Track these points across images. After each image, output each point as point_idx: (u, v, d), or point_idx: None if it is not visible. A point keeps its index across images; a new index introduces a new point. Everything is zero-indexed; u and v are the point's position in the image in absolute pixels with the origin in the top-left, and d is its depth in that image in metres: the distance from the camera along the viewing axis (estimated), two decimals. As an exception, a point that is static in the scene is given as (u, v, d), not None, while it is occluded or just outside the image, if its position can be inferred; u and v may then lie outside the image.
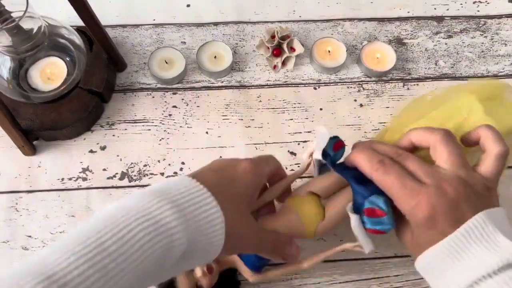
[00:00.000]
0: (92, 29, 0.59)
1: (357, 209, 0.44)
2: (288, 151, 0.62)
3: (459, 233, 0.39)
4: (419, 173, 0.42)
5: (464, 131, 0.47)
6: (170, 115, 0.65)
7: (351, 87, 0.67)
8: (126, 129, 0.64)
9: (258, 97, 0.66)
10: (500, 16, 0.72)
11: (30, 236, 0.58)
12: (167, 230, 0.34)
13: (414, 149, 0.45)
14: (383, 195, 0.43)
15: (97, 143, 0.63)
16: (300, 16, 0.72)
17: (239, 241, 0.41)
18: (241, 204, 0.41)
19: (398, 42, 0.70)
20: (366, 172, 0.43)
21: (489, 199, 0.42)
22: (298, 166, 0.56)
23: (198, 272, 0.49)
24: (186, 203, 0.36)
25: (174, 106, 0.65)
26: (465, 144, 0.46)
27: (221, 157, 0.62)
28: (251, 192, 0.43)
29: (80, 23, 0.59)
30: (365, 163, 0.43)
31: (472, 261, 0.38)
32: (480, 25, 0.71)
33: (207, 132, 0.64)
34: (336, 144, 0.48)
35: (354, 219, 0.43)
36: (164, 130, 0.64)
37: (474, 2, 0.73)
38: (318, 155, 0.47)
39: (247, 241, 0.42)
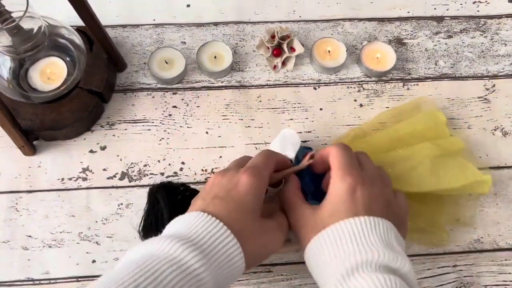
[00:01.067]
0: (92, 29, 0.59)
1: None
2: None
3: (370, 218, 0.42)
4: (366, 165, 0.47)
5: (410, 177, 0.54)
6: (170, 115, 0.65)
7: (351, 87, 0.67)
8: (126, 129, 0.64)
9: (258, 97, 0.66)
10: (500, 16, 0.72)
11: (30, 236, 0.58)
12: (196, 275, 0.38)
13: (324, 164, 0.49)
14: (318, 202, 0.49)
15: (97, 143, 0.63)
16: (300, 16, 0.72)
17: (255, 257, 0.45)
18: (252, 221, 0.44)
19: (398, 42, 0.70)
20: (330, 148, 0.47)
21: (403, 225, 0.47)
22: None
23: None
24: (209, 246, 0.40)
25: (174, 106, 0.65)
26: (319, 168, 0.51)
27: (220, 157, 0.62)
28: (258, 204, 0.45)
29: (80, 23, 0.59)
30: (334, 144, 0.48)
31: (365, 248, 0.40)
32: (480, 25, 0.71)
33: (207, 132, 0.64)
34: (306, 154, 0.54)
35: None
36: (164, 130, 0.64)
37: (474, 2, 0.73)
38: (292, 155, 0.54)
39: (262, 252, 0.46)
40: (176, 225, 0.43)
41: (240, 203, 0.44)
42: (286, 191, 0.49)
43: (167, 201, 0.53)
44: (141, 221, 0.55)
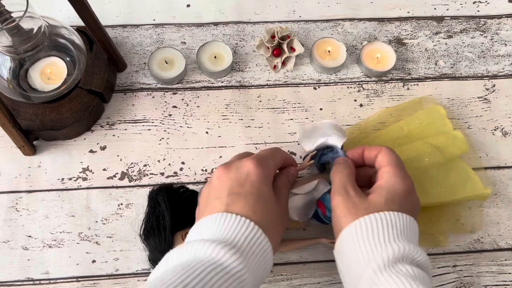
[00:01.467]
0: (92, 29, 0.59)
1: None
2: (288, 151, 0.62)
3: (415, 222, 0.45)
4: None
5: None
6: (170, 115, 0.65)
7: (351, 87, 0.67)
8: (126, 129, 0.64)
9: (258, 97, 0.66)
10: (500, 16, 0.72)
11: (30, 236, 0.58)
12: (239, 277, 0.40)
13: (361, 160, 0.51)
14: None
15: (97, 143, 0.63)
16: (300, 16, 0.72)
17: (277, 245, 0.46)
18: (273, 210, 0.45)
19: (398, 42, 0.70)
20: (381, 147, 0.49)
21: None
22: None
23: None
24: (246, 247, 0.41)
25: (174, 106, 0.65)
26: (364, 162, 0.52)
27: (220, 157, 0.62)
28: (269, 187, 0.46)
29: (80, 23, 0.59)
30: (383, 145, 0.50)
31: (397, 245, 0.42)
32: (480, 25, 0.71)
33: (207, 132, 0.64)
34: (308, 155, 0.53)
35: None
36: (164, 130, 0.64)
37: (474, 2, 0.73)
38: (338, 143, 0.52)
39: (281, 236, 0.47)
40: (210, 228, 0.43)
41: (259, 194, 0.44)
42: (337, 174, 0.49)
43: (168, 204, 0.53)
44: (142, 224, 0.55)
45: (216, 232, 0.42)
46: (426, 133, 0.60)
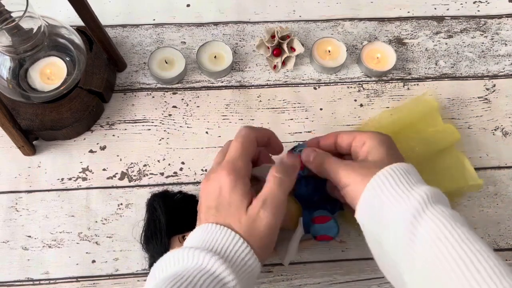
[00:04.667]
0: (92, 29, 0.59)
1: (305, 225, 0.52)
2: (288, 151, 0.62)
3: (407, 165, 0.45)
4: None
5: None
6: (170, 115, 0.65)
7: (351, 87, 0.67)
8: (126, 129, 0.64)
9: (258, 97, 0.66)
10: (500, 16, 0.72)
11: (30, 236, 0.58)
12: (226, 283, 0.41)
13: (333, 148, 0.52)
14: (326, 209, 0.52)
15: (97, 143, 0.63)
16: (300, 16, 0.72)
17: (265, 246, 0.46)
18: (243, 214, 0.45)
19: (398, 42, 0.70)
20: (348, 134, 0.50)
21: None
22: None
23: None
24: (233, 256, 0.43)
25: (174, 106, 0.65)
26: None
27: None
28: (245, 195, 0.46)
29: (80, 23, 0.59)
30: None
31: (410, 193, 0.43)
32: (480, 25, 0.71)
33: (207, 132, 0.64)
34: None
35: (299, 231, 0.52)
36: (164, 130, 0.64)
37: (474, 2, 0.73)
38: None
39: (270, 238, 0.46)
40: (197, 239, 0.44)
41: (231, 204, 0.45)
42: (325, 162, 0.49)
43: (164, 209, 0.54)
44: (142, 231, 0.56)
45: (195, 241, 0.44)
46: (417, 127, 0.60)
